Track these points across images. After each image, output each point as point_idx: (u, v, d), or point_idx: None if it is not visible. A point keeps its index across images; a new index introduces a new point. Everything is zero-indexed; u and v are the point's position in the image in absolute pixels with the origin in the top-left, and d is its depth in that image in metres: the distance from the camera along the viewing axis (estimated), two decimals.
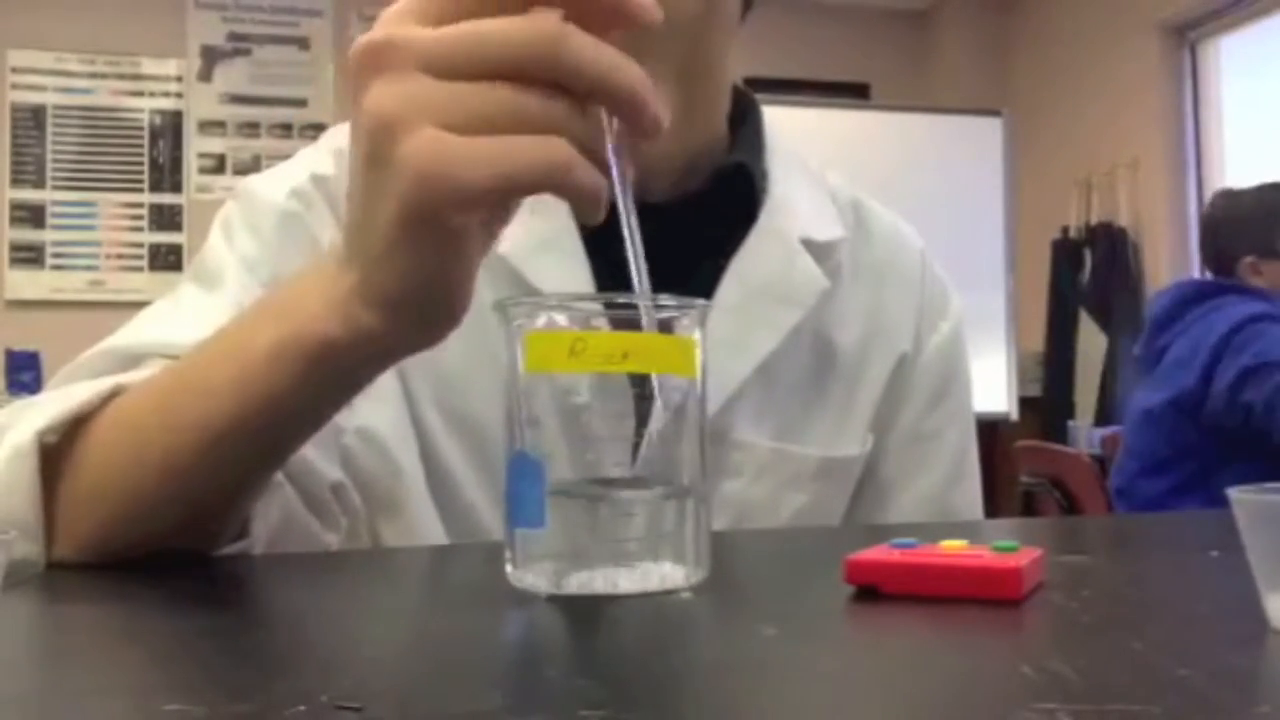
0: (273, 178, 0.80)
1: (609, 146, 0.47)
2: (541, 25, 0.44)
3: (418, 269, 0.48)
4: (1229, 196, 2.61)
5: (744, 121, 0.85)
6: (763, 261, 0.81)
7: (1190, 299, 2.41)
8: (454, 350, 0.75)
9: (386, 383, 0.74)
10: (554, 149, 0.44)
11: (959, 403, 0.90)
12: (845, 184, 0.91)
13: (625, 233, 0.49)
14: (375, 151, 0.46)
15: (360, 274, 0.49)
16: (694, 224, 0.79)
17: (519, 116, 0.44)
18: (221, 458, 0.56)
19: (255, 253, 0.76)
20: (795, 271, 0.82)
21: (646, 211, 0.78)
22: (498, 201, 0.47)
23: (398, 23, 0.46)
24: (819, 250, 0.84)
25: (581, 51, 0.44)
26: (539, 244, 0.76)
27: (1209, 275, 2.55)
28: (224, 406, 0.55)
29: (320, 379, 0.53)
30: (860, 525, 0.85)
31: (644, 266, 0.48)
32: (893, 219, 0.92)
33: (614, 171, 0.47)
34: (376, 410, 0.74)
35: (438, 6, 0.46)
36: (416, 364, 0.75)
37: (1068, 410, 4.84)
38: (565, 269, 0.76)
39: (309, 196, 0.77)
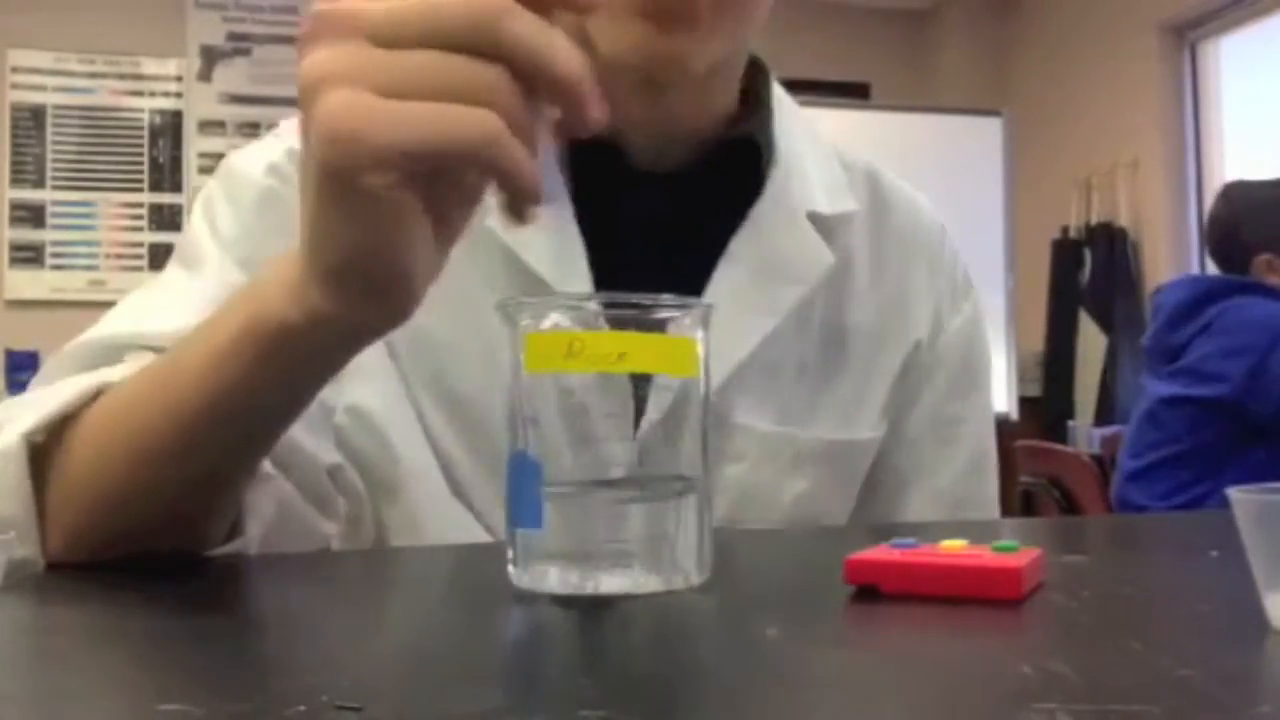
0: (252, 154, 0.79)
1: (541, 136, 0.45)
2: (489, 2, 0.44)
3: (348, 236, 0.47)
4: (1242, 189, 2.54)
5: (756, 92, 0.82)
6: (765, 237, 0.78)
7: (1209, 294, 2.37)
8: (443, 330, 0.75)
9: (376, 360, 0.73)
10: (480, 119, 0.43)
11: (980, 390, 0.87)
12: (861, 155, 0.88)
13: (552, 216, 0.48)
14: (303, 111, 0.45)
15: (304, 248, 0.49)
16: (702, 195, 0.78)
17: (448, 85, 0.43)
18: (195, 445, 0.56)
19: (234, 231, 0.75)
20: (799, 247, 0.80)
21: (656, 181, 0.77)
22: (413, 166, 0.45)
23: None
24: (827, 224, 0.81)
25: (524, 30, 0.44)
26: (538, 229, 0.75)
27: (1217, 272, 2.53)
28: (193, 390, 0.55)
29: (283, 363, 0.53)
30: (859, 525, 0.83)
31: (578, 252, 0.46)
32: (911, 192, 0.89)
33: (549, 162, 0.46)
34: (366, 387, 0.73)
35: None
36: (407, 344, 0.75)
37: (1067, 410, 4.83)
38: (555, 244, 0.74)
39: (286, 172, 0.76)
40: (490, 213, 0.46)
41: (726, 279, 0.76)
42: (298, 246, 0.51)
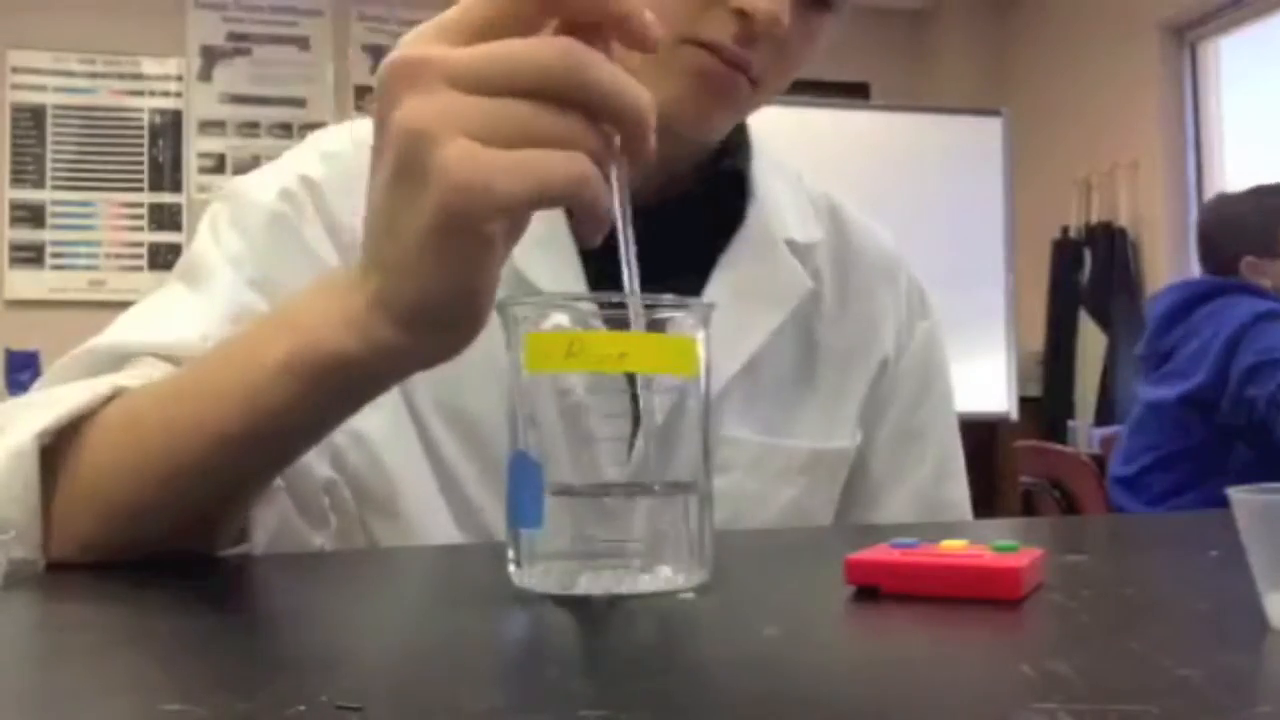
0: (261, 179, 0.80)
1: (613, 165, 0.48)
2: (567, 47, 0.46)
3: (444, 280, 0.48)
4: (1223, 201, 2.64)
5: (738, 127, 0.86)
6: (749, 263, 0.83)
7: (1197, 298, 2.41)
8: None
9: None
10: (579, 163, 0.46)
11: (942, 400, 0.93)
12: (820, 186, 0.93)
13: (621, 244, 0.49)
14: (407, 163, 0.46)
15: (381, 287, 0.49)
16: (682, 226, 0.80)
17: (544, 132, 0.46)
18: (225, 465, 0.57)
19: (243, 252, 0.76)
20: (781, 272, 0.85)
21: (649, 209, 0.79)
22: (529, 210, 0.48)
23: (425, 42, 0.47)
24: (801, 252, 0.86)
25: (603, 75, 0.46)
26: (532, 241, 0.76)
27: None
28: (231, 415, 0.55)
29: (330, 392, 0.53)
30: (860, 525, 0.86)
31: (636, 273, 0.49)
32: (868, 222, 0.94)
33: (615, 189, 0.48)
34: (367, 410, 0.74)
35: (462, 28, 0.47)
36: None
37: (1067, 410, 4.84)
38: (559, 264, 0.77)
39: (298, 198, 0.77)
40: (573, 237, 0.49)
41: (715, 299, 0.79)
42: (336, 276, 0.52)
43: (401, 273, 0.48)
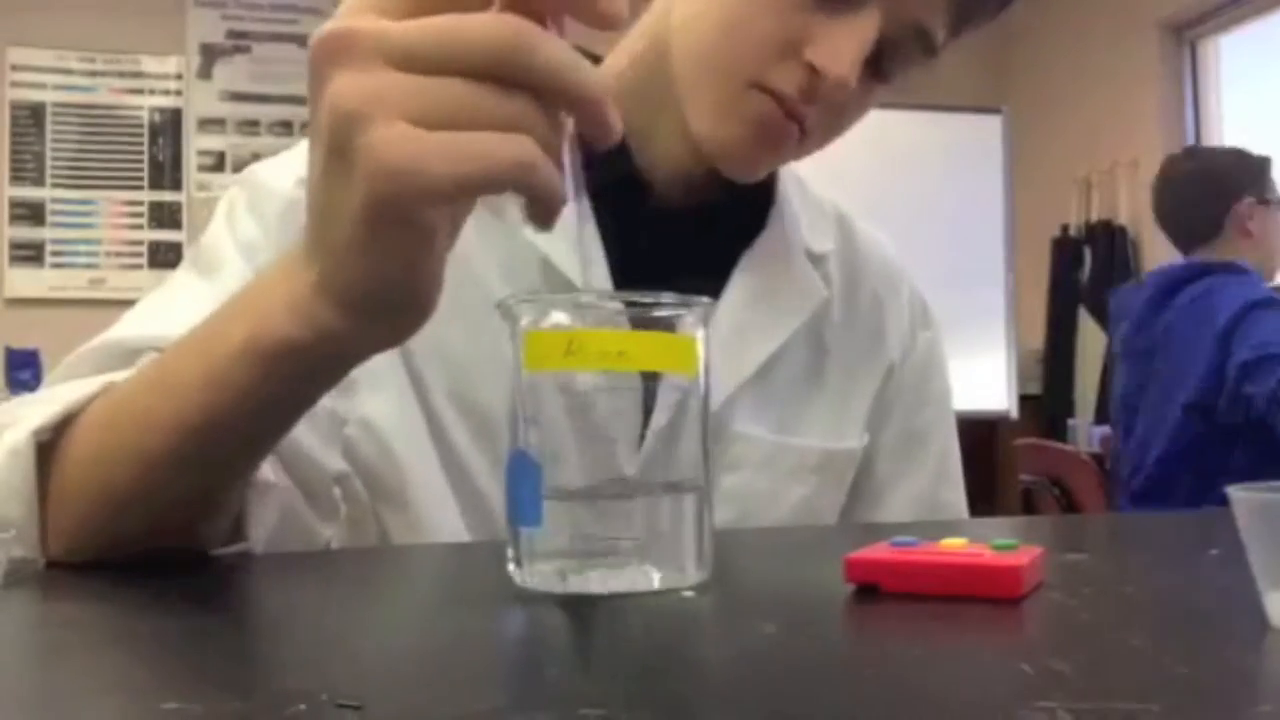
0: (278, 166, 0.80)
1: (564, 148, 0.46)
2: (512, 25, 0.43)
3: (382, 266, 0.46)
4: (1197, 154, 2.57)
5: None
6: (769, 269, 0.85)
7: (1179, 282, 2.35)
8: (464, 339, 0.76)
9: (389, 373, 0.75)
10: (521, 147, 0.43)
11: (942, 406, 0.95)
12: (828, 196, 0.95)
13: (576, 229, 0.49)
14: (337, 144, 0.44)
15: (322, 271, 0.48)
16: (705, 230, 0.82)
17: (485, 113, 0.43)
18: (193, 454, 0.56)
19: (257, 238, 0.76)
20: (798, 280, 0.87)
21: (662, 220, 0.80)
22: (466, 197, 0.46)
23: (358, 14, 0.45)
24: (815, 260, 0.88)
25: (550, 54, 0.44)
26: (560, 228, 0.76)
27: (1180, 256, 2.48)
28: (193, 404, 0.54)
29: (285, 377, 0.52)
30: (859, 524, 0.86)
31: (598, 257, 0.48)
32: (874, 233, 0.96)
33: (568, 171, 0.46)
34: (378, 401, 0.75)
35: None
36: (426, 353, 0.76)
37: (1067, 408, 4.83)
38: (588, 255, 0.75)
39: None
40: (526, 224, 0.46)
41: (733, 304, 0.82)
42: (290, 258, 0.51)
43: (339, 258, 0.47)
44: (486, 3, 0.45)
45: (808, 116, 0.75)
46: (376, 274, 0.47)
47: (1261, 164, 2.45)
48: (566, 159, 0.46)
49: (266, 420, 0.56)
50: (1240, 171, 2.41)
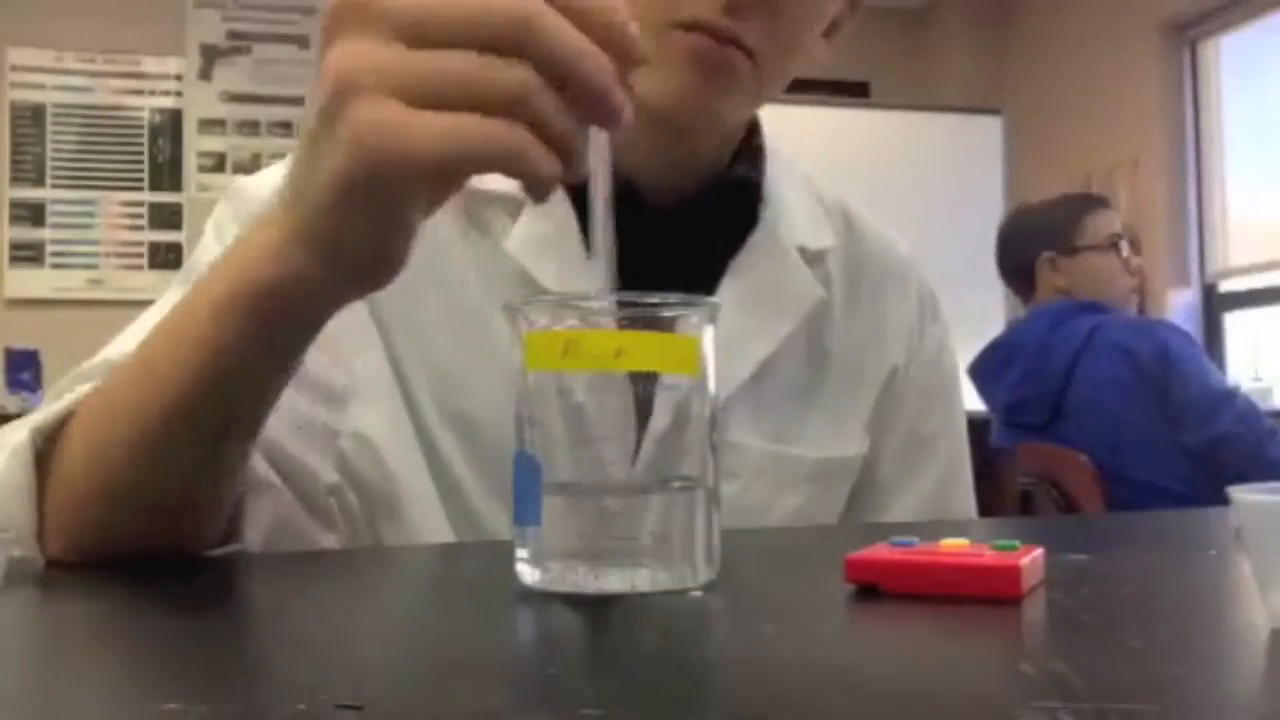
0: (265, 176, 0.80)
1: (585, 132, 0.46)
2: (523, 5, 0.44)
3: (355, 225, 0.48)
4: (1023, 208, 2.69)
5: (746, 129, 0.85)
6: (759, 270, 0.82)
7: (1045, 329, 2.41)
8: (453, 350, 0.76)
9: (382, 385, 0.75)
10: (505, 133, 0.44)
11: (952, 407, 0.92)
12: (833, 190, 0.92)
13: (594, 212, 0.49)
14: (329, 108, 0.46)
15: (301, 217, 0.50)
16: (694, 233, 0.80)
17: (476, 92, 0.44)
18: (182, 434, 0.56)
19: None
20: (791, 280, 0.84)
21: (647, 220, 0.79)
22: (442, 177, 0.47)
23: None
24: (812, 258, 0.85)
25: (553, 33, 0.44)
26: (540, 242, 0.77)
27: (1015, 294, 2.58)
28: (178, 376, 0.55)
29: (265, 324, 0.53)
30: (860, 524, 0.86)
31: (611, 233, 0.49)
32: (880, 227, 0.93)
33: (598, 178, 0.47)
34: (370, 414, 0.75)
35: None
36: (415, 365, 0.76)
37: None
38: (568, 267, 0.76)
39: None
40: (506, 237, 0.47)
41: (724, 305, 0.79)
42: (276, 211, 0.52)
43: (317, 209, 0.48)
44: None
45: (745, 35, 0.71)
46: (347, 233, 0.48)
47: (1073, 212, 2.50)
48: (596, 161, 0.47)
49: (253, 371, 0.56)
50: (1039, 228, 2.50)
